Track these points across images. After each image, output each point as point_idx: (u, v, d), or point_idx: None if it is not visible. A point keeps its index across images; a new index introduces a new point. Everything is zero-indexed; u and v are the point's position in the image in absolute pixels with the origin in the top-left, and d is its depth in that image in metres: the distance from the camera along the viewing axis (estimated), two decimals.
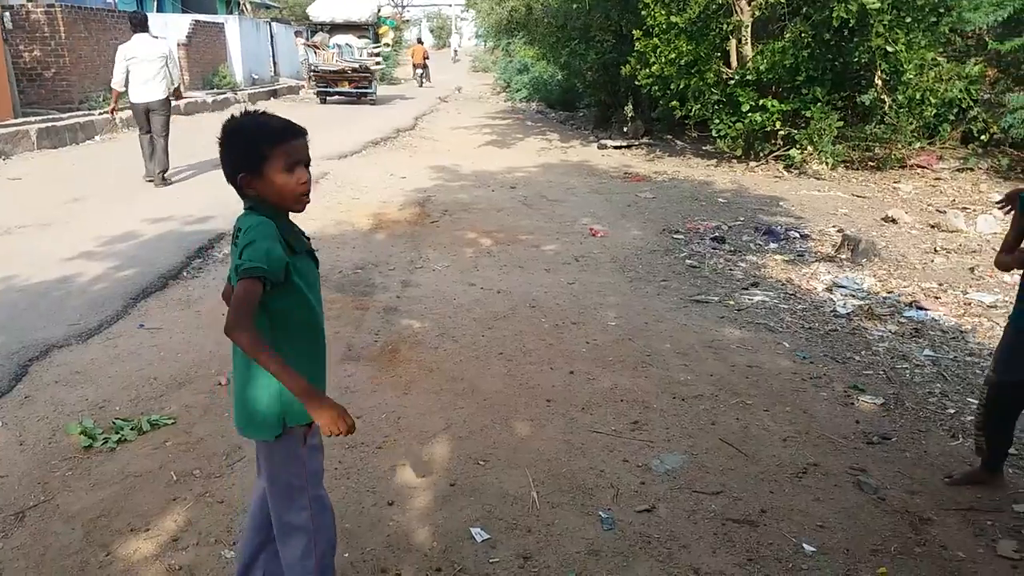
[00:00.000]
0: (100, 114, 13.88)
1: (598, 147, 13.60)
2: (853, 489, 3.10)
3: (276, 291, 1.90)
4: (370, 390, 3.92)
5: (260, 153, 1.92)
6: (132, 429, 3.48)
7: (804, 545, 2.75)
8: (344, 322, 4.83)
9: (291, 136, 1.97)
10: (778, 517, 2.92)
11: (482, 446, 3.39)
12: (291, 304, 1.98)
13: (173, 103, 9.53)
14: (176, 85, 9.33)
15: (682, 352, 4.46)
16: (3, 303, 5.00)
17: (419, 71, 30.79)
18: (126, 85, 8.94)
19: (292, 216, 2.05)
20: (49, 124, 12.13)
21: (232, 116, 1.99)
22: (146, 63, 8.89)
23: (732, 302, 5.37)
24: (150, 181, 9.19)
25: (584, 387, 3.99)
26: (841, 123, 10.26)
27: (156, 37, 9.38)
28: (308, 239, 2.09)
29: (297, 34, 26.50)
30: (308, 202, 2.03)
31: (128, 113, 13.31)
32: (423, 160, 11.70)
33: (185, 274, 5.86)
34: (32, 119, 12.35)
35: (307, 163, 2.01)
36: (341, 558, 2.65)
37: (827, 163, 10.23)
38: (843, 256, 6.38)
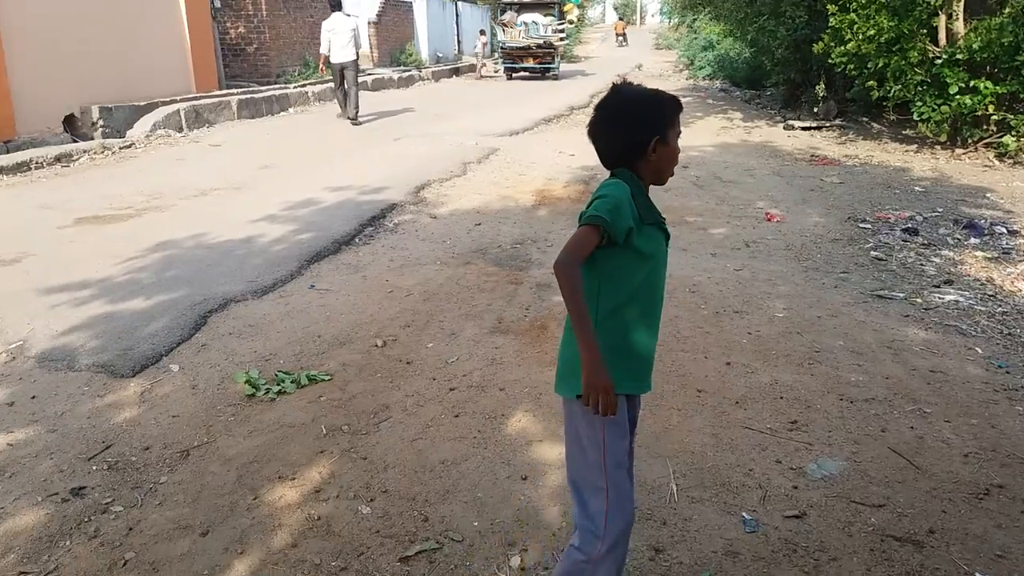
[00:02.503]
0: (295, 87, 14.86)
1: (784, 127, 12.88)
2: None
3: (614, 253, 1.91)
4: (516, 363, 3.90)
5: (669, 119, 1.99)
6: (292, 382, 3.66)
7: (976, 575, 2.42)
8: (497, 295, 4.85)
9: (681, 107, 2.07)
10: (949, 540, 2.59)
11: None
12: (626, 270, 1.96)
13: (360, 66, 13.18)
14: (360, 49, 12.74)
15: (856, 351, 4.08)
16: (192, 258, 5.45)
17: (619, 37, 44.61)
18: (329, 50, 12.33)
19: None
20: (248, 96, 13.15)
21: (626, 83, 2.04)
22: (340, 34, 12.24)
23: (920, 300, 4.86)
24: (349, 119, 12.52)
25: (740, 380, 3.75)
26: None
27: (348, 15, 12.58)
28: (662, 217, 2.06)
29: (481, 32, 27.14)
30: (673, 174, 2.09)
31: (319, 87, 14.58)
32: None
33: (357, 241, 6.11)
34: (234, 91, 13.45)
35: None
36: (470, 526, 2.65)
37: None
38: None
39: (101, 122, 10.49)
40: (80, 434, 3.19)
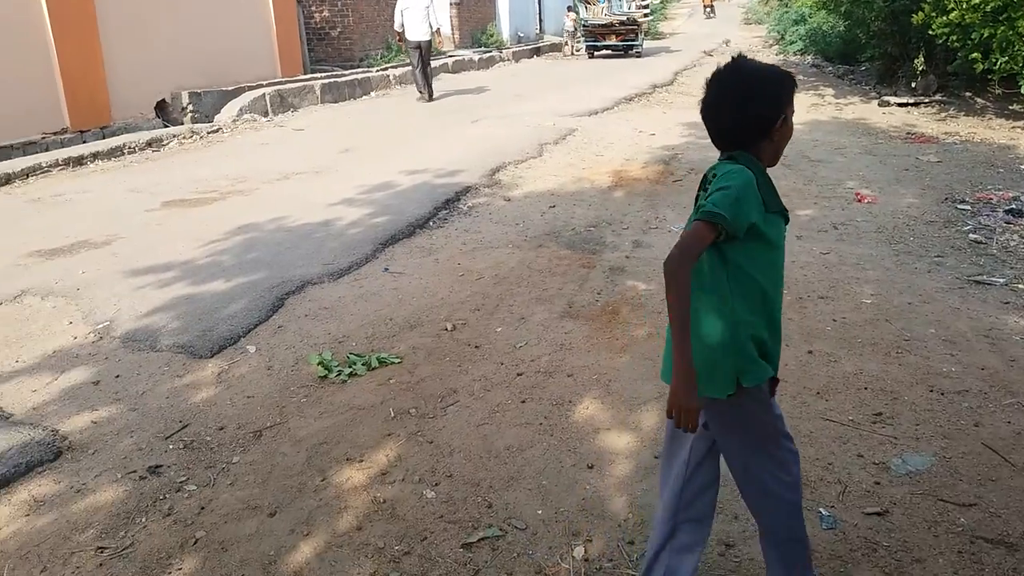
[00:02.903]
0: (377, 71, 15.03)
1: (879, 104, 12.26)
2: None
3: (737, 245, 1.84)
4: (585, 349, 3.83)
5: (789, 96, 1.91)
6: (363, 365, 3.70)
7: None
8: (568, 279, 4.77)
9: (796, 84, 1.98)
10: None
11: None
12: (756, 260, 1.88)
13: (435, 43, 13.82)
14: (437, 27, 13.08)
15: (949, 339, 3.84)
16: (272, 241, 5.58)
17: (707, 9, 43.94)
18: (403, 27, 12.69)
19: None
20: (332, 80, 13.38)
21: (744, 58, 1.95)
22: (415, 11, 12.59)
23: (1022, 286, 4.53)
24: (421, 99, 12.88)
25: (823, 369, 3.58)
26: None
27: None
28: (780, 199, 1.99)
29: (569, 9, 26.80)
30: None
31: (400, 71, 14.71)
32: (676, 116, 11.28)
33: (431, 224, 6.13)
34: (318, 75, 13.71)
35: None
36: (534, 514, 2.62)
37: None
38: None
39: (190, 107, 10.87)
40: (159, 413, 3.30)
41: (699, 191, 1.92)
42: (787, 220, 1.95)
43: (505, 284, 4.72)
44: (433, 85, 13.45)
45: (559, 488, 2.76)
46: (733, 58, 1.94)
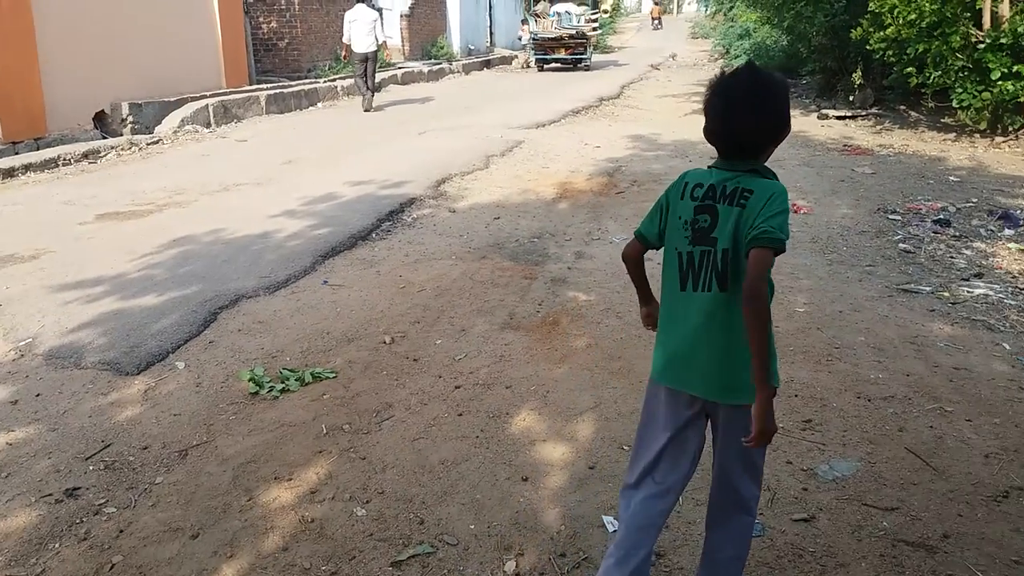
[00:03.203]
0: (324, 82, 14.90)
1: (818, 117, 12.61)
2: None
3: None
4: (525, 360, 3.82)
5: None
6: (296, 380, 3.63)
7: None
8: (510, 291, 4.76)
9: None
10: (964, 545, 2.46)
11: (629, 430, 3.16)
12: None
13: (384, 55, 14.69)
14: (382, 41, 13.27)
15: (877, 347, 3.93)
16: (208, 254, 5.45)
17: (655, 20, 47.63)
18: (350, 39, 12.87)
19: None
20: (277, 91, 13.22)
21: (755, 66, 1.91)
22: (361, 24, 12.82)
23: (947, 294, 4.67)
24: (365, 103, 13.17)
25: None
26: None
27: (372, 6, 13.36)
28: None
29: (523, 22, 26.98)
30: None
31: (347, 82, 14.69)
32: (621, 129, 11.40)
33: (374, 236, 6.07)
34: (264, 86, 13.52)
35: None
36: (467, 529, 2.59)
37: None
38: None
39: (131, 118, 10.61)
40: (80, 433, 3.19)
41: (712, 201, 1.88)
42: None
43: (447, 296, 4.69)
44: (380, 96, 13.78)
45: (492, 502, 2.74)
46: (749, 62, 1.94)
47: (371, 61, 13.10)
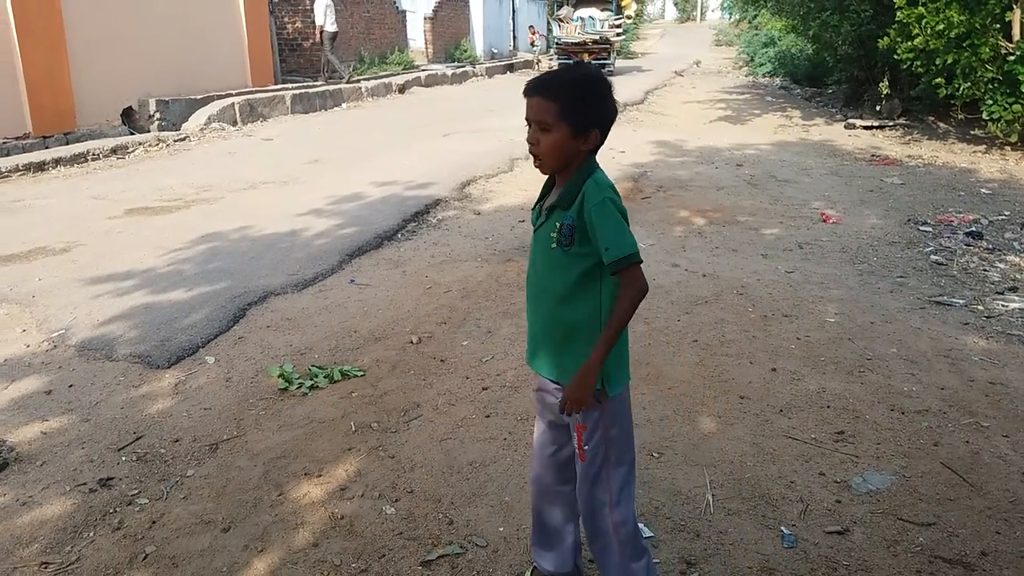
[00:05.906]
0: (348, 82, 14.97)
1: (845, 126, 12.51)
2: None
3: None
4: None
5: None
6: (325, 377, 3.63)
7: None
8: None
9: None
10: (1002, 564, 2.42)
11: (659, 437, 3.15)
12: None
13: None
14: (319, 24, 14.94)
15: (910, 359, 3.88)
16: (236, 251, 5.49)
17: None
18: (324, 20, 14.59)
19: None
20: (302, 91, 13.30)
21: (585, 63, 1.96)
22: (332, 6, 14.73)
23: (981, 307, 4.61)
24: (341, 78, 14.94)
25: (786, 387, 3.59)
26: None
27: None
28: None
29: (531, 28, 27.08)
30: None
31: (372, 83, 14.69)
32: (646, 135, 11.36)
33: (399, 236, 6.08)
34: (289, 86, 13.62)
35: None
36: (496, 531, 2.58)
37: None
38: None
39: (158, 115, 10.72)
40: (112, 424, 3.21)
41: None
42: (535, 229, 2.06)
43: (472, 298, 4.69)
44: (404, 97, 14.96)
45: (521, 504, 2.72)
46: (584, 63, 1.98)
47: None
